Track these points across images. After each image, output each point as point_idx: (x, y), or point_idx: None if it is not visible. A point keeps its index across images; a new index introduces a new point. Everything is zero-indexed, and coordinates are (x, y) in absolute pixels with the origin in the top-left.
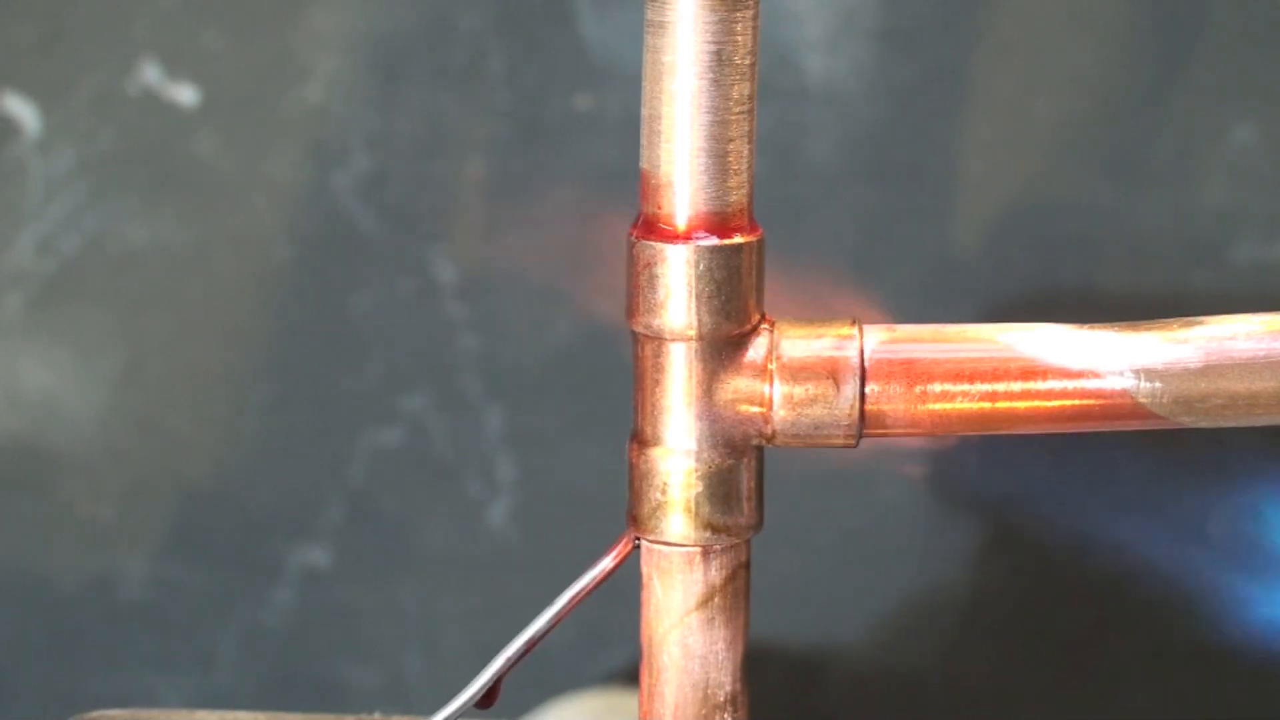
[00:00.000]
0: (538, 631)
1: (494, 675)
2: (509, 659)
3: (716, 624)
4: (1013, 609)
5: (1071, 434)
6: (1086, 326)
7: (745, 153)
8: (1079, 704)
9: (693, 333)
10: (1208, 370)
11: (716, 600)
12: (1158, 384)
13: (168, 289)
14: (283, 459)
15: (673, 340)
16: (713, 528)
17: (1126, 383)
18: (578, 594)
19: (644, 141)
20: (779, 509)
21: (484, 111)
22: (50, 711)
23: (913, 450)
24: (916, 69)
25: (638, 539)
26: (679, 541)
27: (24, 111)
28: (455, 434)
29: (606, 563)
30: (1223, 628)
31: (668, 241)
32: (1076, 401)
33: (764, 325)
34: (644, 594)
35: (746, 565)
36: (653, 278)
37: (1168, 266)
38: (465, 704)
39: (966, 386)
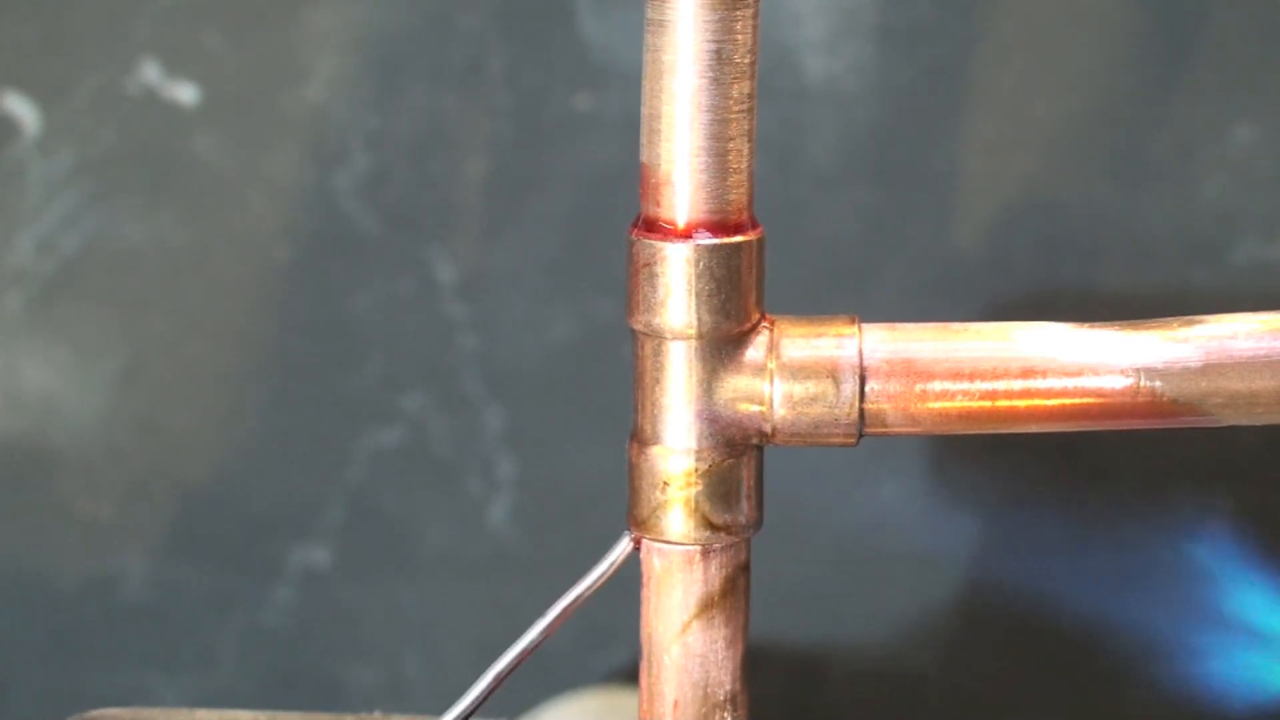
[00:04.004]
0: (535, 639)
1: (494, 682)
2: (510, 664)
3: (716, 623)
4: (1013, 609)
5: (1072, 433)
6: (1087, 326)
7: (745, 151)
8: (1079, 704)
9: (692, 331)
10: (1208, 369)
11: (716, 599)
12: (1158, 383)
13: (168, 289)
14: (283, 459)
15: (672, 339)
16: (713, 527)
17: (1126, 381)
18: (578, 598)
19: (644, 140)
20: (779, 509)
21: (484, 111)
22: (50, 711)
23: (913, 450)
24: (916, 69)
25: (636, 541)
26: (679, 541)
27: (24, 111)
28: (455, 434)
29: (606, 565)
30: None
31: (668, 240)
32: (1076, 400)
33: (764, 324)
34: (644, 593)
35: (746, 565)
36: (652, 276)
37: (1168, 266)
38: (467, 711)
39: (966, 385)
